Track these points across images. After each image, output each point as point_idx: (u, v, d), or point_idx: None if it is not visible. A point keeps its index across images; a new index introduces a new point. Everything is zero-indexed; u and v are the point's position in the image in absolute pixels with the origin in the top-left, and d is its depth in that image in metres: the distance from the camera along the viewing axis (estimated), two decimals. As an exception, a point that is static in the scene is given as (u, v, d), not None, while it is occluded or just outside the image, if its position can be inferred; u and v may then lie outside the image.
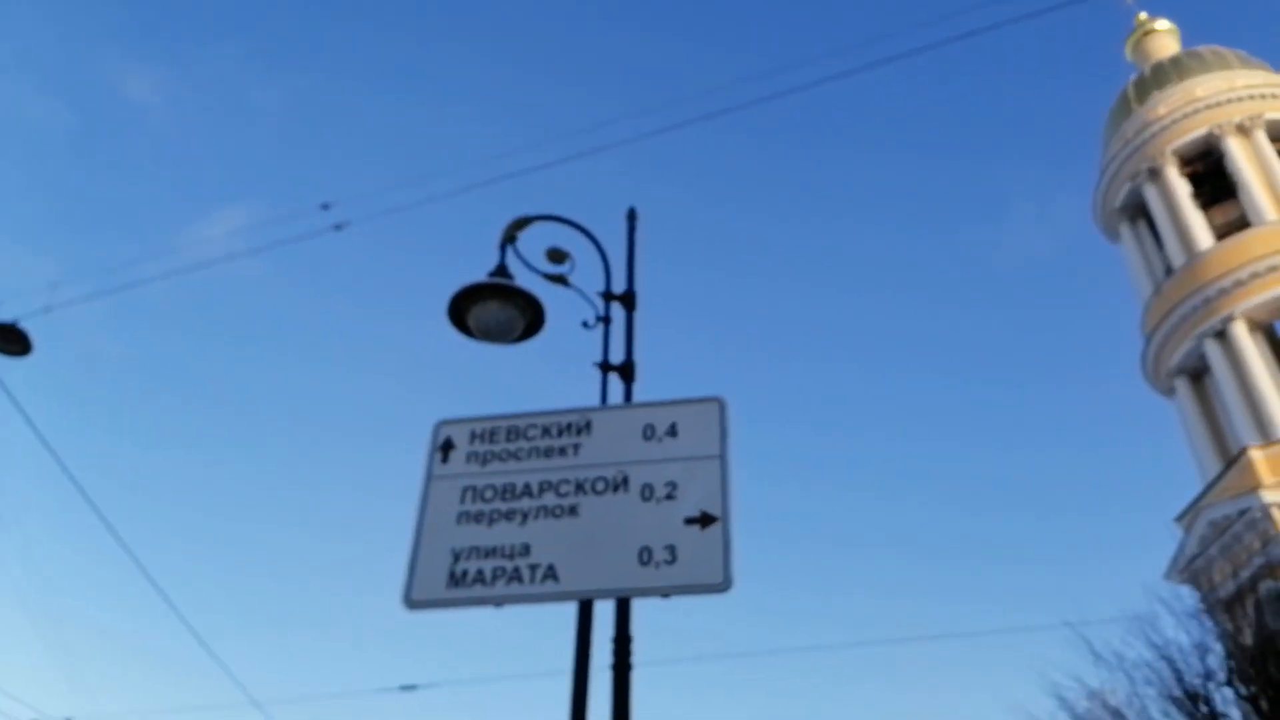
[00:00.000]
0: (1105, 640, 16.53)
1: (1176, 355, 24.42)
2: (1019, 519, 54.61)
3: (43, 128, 60.72)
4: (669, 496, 3.68)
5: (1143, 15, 30.46)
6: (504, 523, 3.76)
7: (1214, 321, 23.38)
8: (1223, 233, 24.75)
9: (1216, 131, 25.73)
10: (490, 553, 3.69)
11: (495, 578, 3.63)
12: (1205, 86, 26.63)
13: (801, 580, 54.11)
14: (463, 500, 3.86)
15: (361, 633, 56.03)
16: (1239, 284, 23.28)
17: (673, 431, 3.87)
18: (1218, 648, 15.93)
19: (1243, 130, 25.63)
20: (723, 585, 3.45)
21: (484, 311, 5.25)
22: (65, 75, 59.71)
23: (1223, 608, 17.99)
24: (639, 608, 4.34)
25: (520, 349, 5.62)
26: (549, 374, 39.57)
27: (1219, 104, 26.07)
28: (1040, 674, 18.46)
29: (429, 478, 3.96)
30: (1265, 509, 19.68)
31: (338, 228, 12.01)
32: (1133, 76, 28.88)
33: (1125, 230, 27.59)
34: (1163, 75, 27.86)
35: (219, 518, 59.05)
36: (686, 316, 56.68)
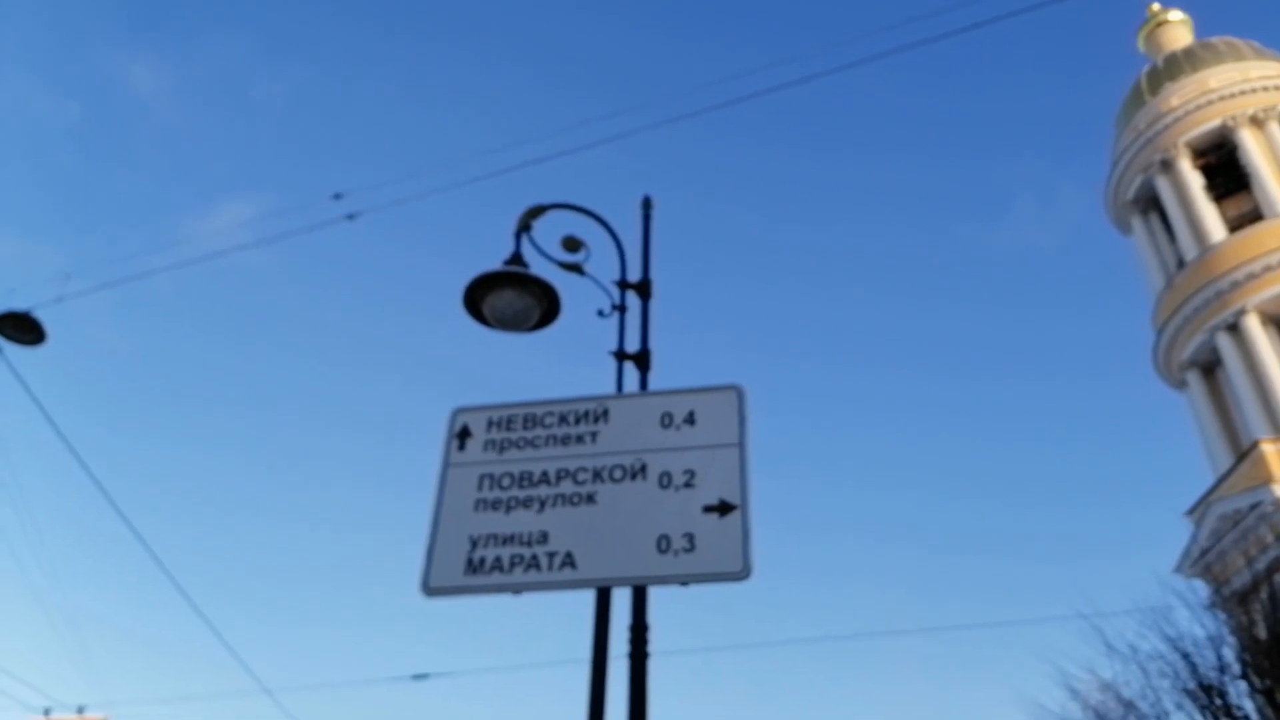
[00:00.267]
0: (1118, 633, 16.47)
1: (1188, 348, 24.34)
2: (1029, 512, 54.53)
3: (47, 121, 60.85)
4: (687, 484, 3.66)
5: (1156, 6, 30.32)
6: (521, 510, 3.74)
7: (1226, 314, 23.30)
8: (1235, 225, 24.64)
9: (1230, 123, 25.59)
10: (508, 540, 3.67)
11: (513, 565, 3.61)
12: (1218, 78, 26.48)
13: (813, 572, 54.08)
14: (480, 488, 3.84)
15: (373, 622, 56.22)
16: (1252, 276, 23.20)
17: (691, 419, 3.84)
18: (1232, 641, 15.86)
19: (1256, 122, 25.49)
20: (742, 573, 3.42)
21: (500, 300, 5.21)
22: (69, 69, 59.81)
23: (1235, 601, 17.92)
24: (654, 596, 4.33)
25: (533, 339, 5.60)
26: (561, 365, 39.50)
27: (1232, 95, 25.93)
28: (1052, 666, 18.42)
29: (446, 465, 3.94)
30: (1277, 502, 19.58)
31: (350, 217, 11.99)
32: (1145, 68, 28.73)
33: (1137, 223, 27.49)
34: (1175, 66, 27.70)
35: (229, 509, 59.30)
36: (695, 310, 56.55)
